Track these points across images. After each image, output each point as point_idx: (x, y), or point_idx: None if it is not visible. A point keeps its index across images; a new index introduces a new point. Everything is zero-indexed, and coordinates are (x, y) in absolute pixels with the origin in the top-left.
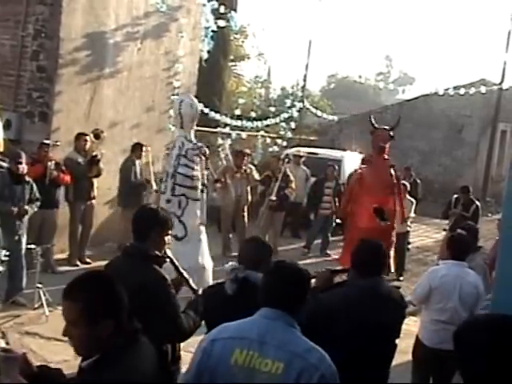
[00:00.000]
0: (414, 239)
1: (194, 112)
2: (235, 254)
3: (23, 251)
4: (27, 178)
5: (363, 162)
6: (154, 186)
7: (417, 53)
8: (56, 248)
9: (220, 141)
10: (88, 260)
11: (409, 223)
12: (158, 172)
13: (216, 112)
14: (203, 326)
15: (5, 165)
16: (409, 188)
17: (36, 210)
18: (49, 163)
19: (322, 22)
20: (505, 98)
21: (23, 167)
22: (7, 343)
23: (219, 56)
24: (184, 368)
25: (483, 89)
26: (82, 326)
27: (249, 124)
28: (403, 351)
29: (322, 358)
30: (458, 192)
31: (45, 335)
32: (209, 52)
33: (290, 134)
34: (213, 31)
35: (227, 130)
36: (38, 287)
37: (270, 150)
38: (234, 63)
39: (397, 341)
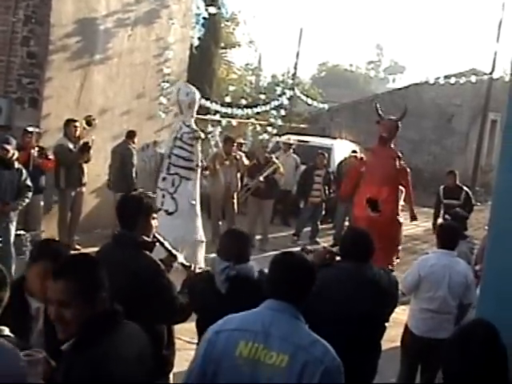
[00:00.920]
0: (403, 228)
1: (190, 99)
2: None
3: (12, 238)
4: (16, 165)
5: (366, 151)
6: None
7: (407, 42)
8: (45, 234)
9: (210, 128)
10: (77, 246)
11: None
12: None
13: (206, 99)
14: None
15: None
16: None
17: (27, 201)
18: (32, 150)
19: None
20: (495, 88)
21: (12, 152)
22: None
23: (210, 43)
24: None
25: (473, 78)
26: (78, 304)
27: (239, 111)
28: (392, 339)
29: (327, 351)
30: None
31: None
32: (199, 39)
33: (280, 122)
34: (204, 18)
35: (217, 117)
36: None
37: (260, 137)
38: (224, 50)
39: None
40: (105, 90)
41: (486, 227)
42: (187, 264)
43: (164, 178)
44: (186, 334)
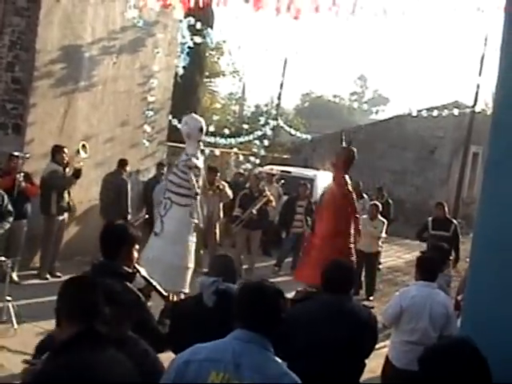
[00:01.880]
0: (385, 259)
1: (188, 129)
2: (206, 270)
3: None
4: None
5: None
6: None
7: (391, 74)
8: (28, 261)
9: None
10: (58, 274)
11: (380, 243)
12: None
13: None
14: None
15: None
16: (381, 208)
17: (8, 226)
18: (17, 175)
19: (298, 41)
20: (477, 121)
21: None
22: None
23: (195, 72)
24: None
25: (456, 111)
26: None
27: (222, 141)
28: (372, 370)
29: (295, 383)
30: (432, 212)
31: (12, 348)
32: (184, 68)
33: (263, 152)
34: (189, 47)
35: (201, 146)
36: (8, 300)
37: (243, 167)
38: (209, 79)
39: (365, 361)
40: (88, 117)
41: (468, 259)
42: (165, 294)
43: (160, 202)
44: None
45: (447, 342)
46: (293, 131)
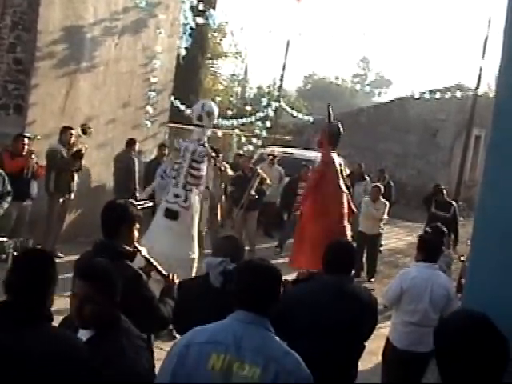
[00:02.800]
0: (386, 241)
1: (209, 116)
2: (208, 251)
3: None
4: None
5: None
6: None
7: (394, 56)
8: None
9: None
10: (60, 254)
11: (381, 225)
12: None
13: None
14: None
15: None
16: (382, 190)
17: (7, 206)
18: (30, 156)
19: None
20: (479, 104)
21: None
22: None
23: (197, 53)
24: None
25: (458, 94)
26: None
27: (224, 122)
28: (373, 352)
29: (298, 363)
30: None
31: None
32: (186, 49)
33: (265, 134)
34: (191, 28)
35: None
36: None
37: (245, 148)
38: (211, 61)
39: (365, 342)
40: (90, 98)
41: (469, 242)
42: (165, 273)
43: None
44: (168, 345)
45: (465, 313)
46: (295, 113)
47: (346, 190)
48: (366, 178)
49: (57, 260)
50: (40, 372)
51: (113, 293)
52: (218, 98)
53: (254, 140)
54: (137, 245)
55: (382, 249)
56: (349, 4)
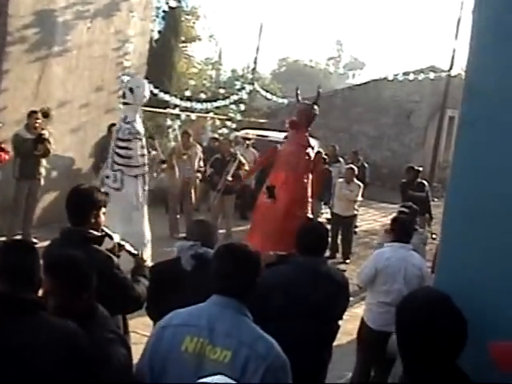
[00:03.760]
0: (361, 223)
1: (136, 93)
2: (182, 235)
3: None
4: None
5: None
6: None
7: (368, 38)
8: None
9: (169, 122)
10: (34, 240)
11: (356, 207)
12: None
13: (166, 93)
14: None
15: None
16: (356, 172)
17: None
18: None
19: (274, 5)
20: (453, 85)
21: None
22: None
23: (170, 37)
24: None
25: (432, 75)
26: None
27: (198, 105)
28: (348, 333)
29: (271, 347)
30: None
31: None
32: (160, 32)
33: (239, 117)
34: (164, 11)
35: (177, 111)
36: None
37: (220, 131)
38: (184, 44)
39: (340, 322)
40: (63, 83)
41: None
42: (134, 252)
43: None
44: (142, 328)
45: (424, 291)
46: (269, 96)
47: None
48: (340, 159)
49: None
50: (38, 362)
51: (80, 285)
52: (191, 82)
53: (229, 123)
54: (104, 228)
55: (357, 230)
56: None
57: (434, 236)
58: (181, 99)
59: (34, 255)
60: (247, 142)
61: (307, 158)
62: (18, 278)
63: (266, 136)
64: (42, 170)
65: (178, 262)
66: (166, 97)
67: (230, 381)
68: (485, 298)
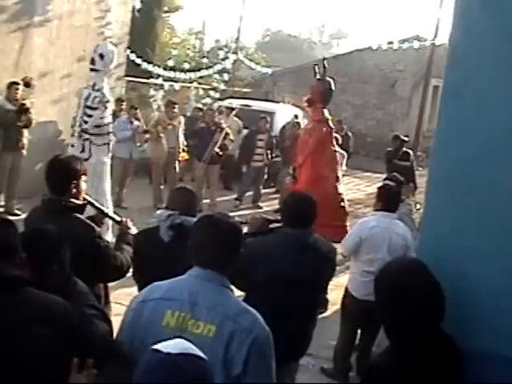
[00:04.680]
0: (345, 192)
1: (104, 60)
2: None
3: None
4: None
5: None
6: None
7: (352, 7)
8: None
9: (152, 92)
10: (17, 212)
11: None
12: None
13: (149, 63)
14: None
15: None
16: (340, 141)
17: None
18: None
19: None
20: (437, 54)
21: None
22: None
23: (152, 6)
24: (113, 318)
25: (416, 44)
26: None
27: (182, 75)
28: (332, 302)
29: (255, 320)
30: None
31: None
32: (142, 2)
33: (223, 86)
34: None
35: (160, 81)
36: None
37: (203, 101)
38: (167, 14)
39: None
40: (44, 53)
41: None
42: (118, 219)
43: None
44: (126, 299)
45: (400, 259)
46: (253, 65)
47: (339, 150)
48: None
49: (15, 218)
50: (30, 339)
51: (48, 257)
52: (174, 52)
53: (212, 93)
54: (86, 196)
55: None
56: None
57: (417, 206)
58: (164, 69)
59: (15, 230)
60: (231, 111)
61: (326, 130)
62: (2, 255)
63: (250, 106)
64: (25, 141)
65: (156, 232)
66: (150, 67)
67: (188, 345)
68: (470, 264)
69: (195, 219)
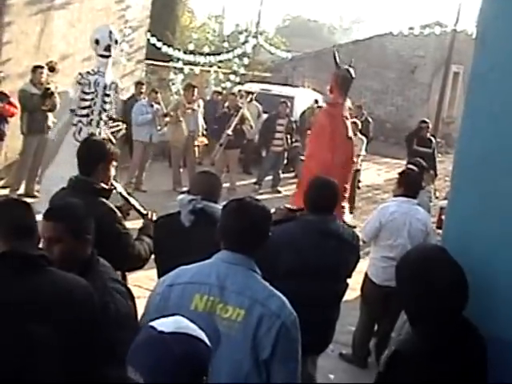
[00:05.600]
0: (364, 177)
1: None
2: (185, 188)
3: None
4: None
5: None
6: None
7: None
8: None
9: (172, 75)
10: (36, 194)
11: (359, 161)
12: None
13: (169, 46)
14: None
15: None
16: (360, 126)
17: None
18: None
19: None
20: (458, 41)
21: None
22: None
23: None
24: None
25: (437, 30)
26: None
27: (202, 59)
28: (352, 288)
29: (283, 305)
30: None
31: None
32: None
33: (243, 70)
34: None
35: (180, 64)
36: None
37: (223, 85)
38: None
39: (348, 280)
40: (65, 36)
41: (447, 178)
42: (144, 212)
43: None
44: (145, 282)
45: (421, 245)
46: (273, 50)
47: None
48: None
49: (34, 200)
50: (48, 320)
51: (81, 232)
52: (195, 35)
53: (232, 77)
54: (114, 183)
55: (360, 185)
56: None
57: (437, 194)
58: (184, 53)
59: (31, 212)
60: (251, 95)
61: (342, 118)
62: (24, 235)
63: (270, 90)
64: (51, 125)
65: (178, 217)
66: (170, 50)
67: (186, 323)
68: (495, 250)
69: (217, 205)
